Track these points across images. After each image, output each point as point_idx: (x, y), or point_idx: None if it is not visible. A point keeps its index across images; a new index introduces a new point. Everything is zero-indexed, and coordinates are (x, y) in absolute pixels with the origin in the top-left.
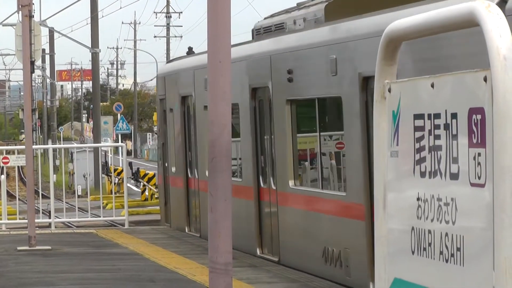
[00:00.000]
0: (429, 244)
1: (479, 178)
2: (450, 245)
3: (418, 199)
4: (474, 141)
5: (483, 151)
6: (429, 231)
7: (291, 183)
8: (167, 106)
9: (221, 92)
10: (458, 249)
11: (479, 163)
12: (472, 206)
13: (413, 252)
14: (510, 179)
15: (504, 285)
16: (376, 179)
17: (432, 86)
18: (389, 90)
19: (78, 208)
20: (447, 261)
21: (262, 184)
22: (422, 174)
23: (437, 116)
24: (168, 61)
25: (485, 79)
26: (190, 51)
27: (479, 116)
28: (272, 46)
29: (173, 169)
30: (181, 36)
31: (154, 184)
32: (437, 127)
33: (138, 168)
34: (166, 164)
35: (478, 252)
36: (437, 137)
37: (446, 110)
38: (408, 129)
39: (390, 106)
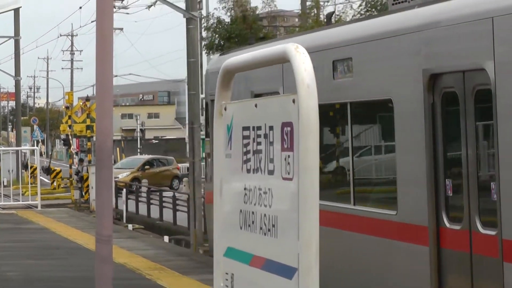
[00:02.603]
0: (253, 222)
1: (288, 173)
2: (267, 222)
3: (245, 189)
4: (285, 146)
5: (292, 154)
6: (253, 212)
7: None
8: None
9: (107, 110)
10: (273, 226)
11: (288, 163)
12: (284, 194)
13: (241, 228)
14: (310, 175)
15: (305, 251)
16: (215, 174)
17: (256, 106)
18: (225, 109)
19: (4, 194)
20: (265, 234)
21: None
22: (248, 171)
23: (259, 128)
24: (223, 53)
25: (293, 101)
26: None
27: (289, 128)
28: None
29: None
30: (82, 68)
31: (61, 177)
32: (259, 136)
33: (49, 165)
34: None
35: (288, 227)
36: (259, 143)
37: (265, 124)
38: (238, 137)
39: (225, 120)
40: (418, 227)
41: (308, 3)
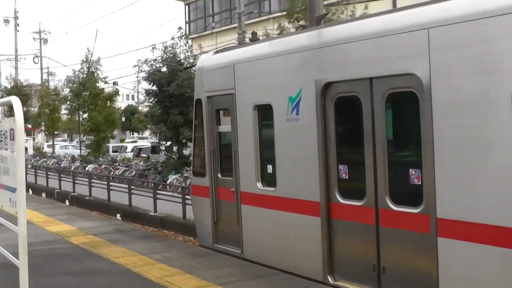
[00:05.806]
0: (1, 169)
1: (13, 150)
2: (6, 170)
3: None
4: (11, 139)
5: (13, 142)
6: (0, 166)
7: None
8: (241, 103)
9: None
10: (8, 171)
11: (12, 145)
12: (11, 158)
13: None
14: (20, 150)
15: (18, 182)
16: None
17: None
18: None
19: None
20: (5, 174)
21: None
22: (0, 149)
23: (1, 131)
24: (216, 52)
25: (14, 120)
26: (255, 37)
27: (13, 131)
28: None
29: (260, 185)
30: None
31: None
32: (1, 135)
33: None
34: (220, 175)
35: (12, 172)
36: (1, 137)
37: (5, 129)
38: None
39: None
40: None
41: (44, 79)
